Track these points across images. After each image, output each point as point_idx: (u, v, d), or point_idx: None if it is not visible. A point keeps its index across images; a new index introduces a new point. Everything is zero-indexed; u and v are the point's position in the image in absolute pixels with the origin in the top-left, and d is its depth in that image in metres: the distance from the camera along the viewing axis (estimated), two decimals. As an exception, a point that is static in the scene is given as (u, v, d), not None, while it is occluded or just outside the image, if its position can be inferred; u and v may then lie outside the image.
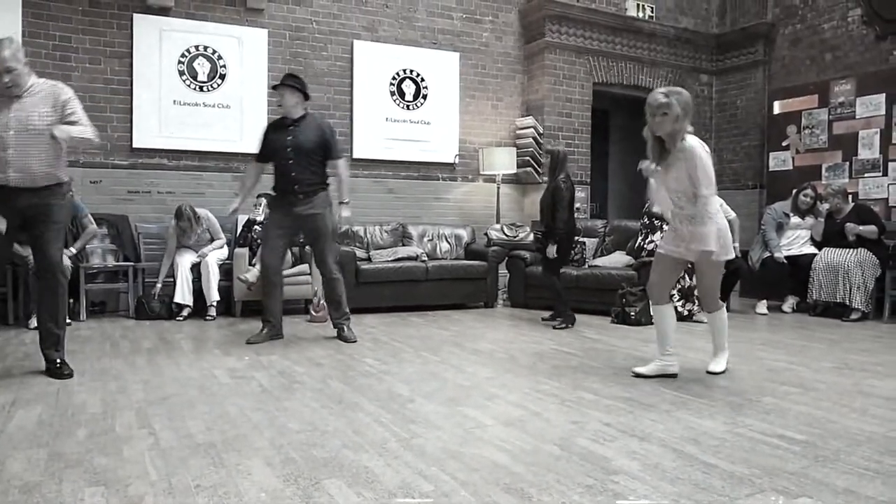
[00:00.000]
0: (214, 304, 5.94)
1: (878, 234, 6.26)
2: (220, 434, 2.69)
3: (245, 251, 6.10)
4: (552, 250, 5.60)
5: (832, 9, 7.87)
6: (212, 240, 6.21)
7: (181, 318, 5.82)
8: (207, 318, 5.86)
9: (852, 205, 6.61)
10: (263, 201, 6.26)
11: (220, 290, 6.04)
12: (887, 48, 7.34)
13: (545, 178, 7.79)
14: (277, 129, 4.89)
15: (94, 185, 6.28)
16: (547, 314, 6.08)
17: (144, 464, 2.35)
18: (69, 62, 6.20)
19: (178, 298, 5.87)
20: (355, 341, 4.88)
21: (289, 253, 6.17)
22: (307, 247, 6.36)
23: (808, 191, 6.82)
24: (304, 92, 4.88)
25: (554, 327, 5.64)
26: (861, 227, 6.25)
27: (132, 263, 6.10)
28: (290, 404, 3.15)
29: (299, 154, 4.76)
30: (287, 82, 4.82)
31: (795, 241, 6.77)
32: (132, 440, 2.61)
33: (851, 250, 6.23)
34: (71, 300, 5.77)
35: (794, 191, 6.93)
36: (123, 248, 6.17)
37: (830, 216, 6.60)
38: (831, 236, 6.48)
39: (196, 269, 5.99)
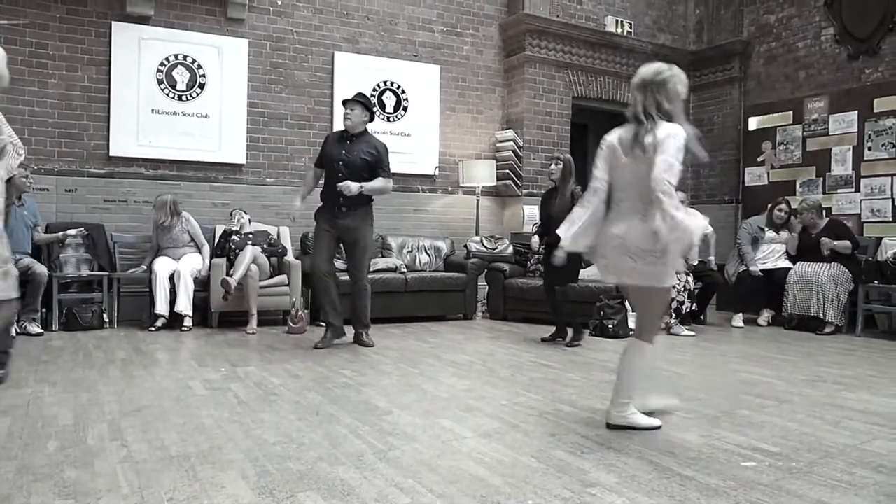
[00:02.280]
0: (189, 315, 5.86)
1: (852, 249, 6.37)
2: (195, 446, 2.65)
3: (223, 261, 6.04)
4: (560, 256, 5.25)
5: (806, 28, 8.03)
6: (191, 240, 6.17)
7: (154, 329, 5.74)
8: (183, 328, 5.79)
9: (826, 220, 6.72)
10: (240, 212, 6.23)
11: (195, 300, 5.97)
12: (859, 67, 7.50)
13: (523, 191, 7.88)
14: (336, 141, 5.10)
15: (69, 193, 6.20)
16: (547, 334, 5.67)
17: (116, 477, 2.31)
18: (46, 69, 6.13)
19: (158, 309, 5.79)
20: (373, 345, 5.15)
21: (267, 263, 6.15)
22: (284, 256, 6.35)
23: (783, 205, 6.94)
24: (372, 111, 5.14)
25: (567, 345, 5.37)
26: (836, 243, 6.35)
27: (107, 273, 6.02)
28: (267, 416, 3.12)
29: (349, 168, 4.95)
30: (359, 98, 5.05)
31: (771, 254, 6.86)
32: (104, 453, 2.56)
33: (825, 265, 6.33)
34: (44, 310, 5.70)
35: (769, 205, 7.04)
36: (98, 258, 6.08)
37: (805, 230, 6.70)
38: (806, 251, 6.58)
39: (173, 278, 5.91)
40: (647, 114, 2.80)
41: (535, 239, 5.80)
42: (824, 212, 6.95)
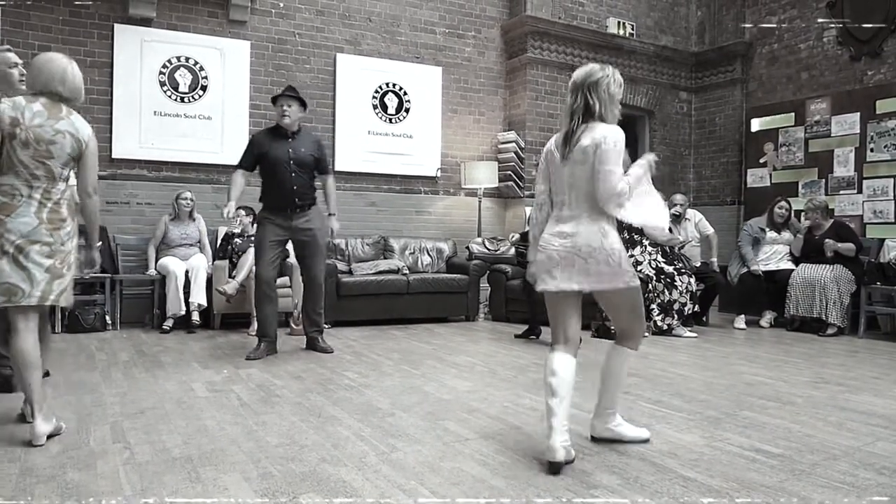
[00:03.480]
0: (199, 309, 5.87)
1: (856, 252, 6.36)
2: (197, 448, 2.65)
3: (225, 263, 6.06)
4: None
5: (808, 29, 8.02)
6: (199, 241, 6.27)
7: (167, 329, 5.74)
8: (193, 324, 5.82)
9: (831, 221, 6.71)
10: (242, 213, 6.23)
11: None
12: (861, 68, 7.49)
13: (525, 192, 7.88)
14: (274, 140, 4.86)
15: (71, 195, 6.20)
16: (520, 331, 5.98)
17: (119, 479, 2.31)
18: (48, 71, 6.13)
19: (171, 307, 5.80)
20: (332, 352, 4.93)
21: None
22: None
23: (783, 203, 6.93)
24: (306, 105, 5.01)
25: (515, 335, 5.69)
26: (840, 245, 6.35)
27: (109, 275, 6.02)
28: (269, 418, 3.12)
29: (300, 167, 4.82)
30: (293, 94, 4.88)
31: (773, 256, 6.85)
32: (107, 455, 2.57)
33: (828, 266, 6.32)
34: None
35: (769, 205, 7.03)
36: (101, 260, 6.08)
37: (810, 231, 6.70)
38: (810, 252, 6.57)
39: (187, 275, 5.94)
40: (580, 115, 2.69)
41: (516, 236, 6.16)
42: (830, 213, 6.94)
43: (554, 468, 2.42)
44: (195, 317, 5.85)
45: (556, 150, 2.76)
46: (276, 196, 4.84)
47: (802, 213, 6.90)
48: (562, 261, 2.64)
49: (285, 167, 4.78)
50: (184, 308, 5.83)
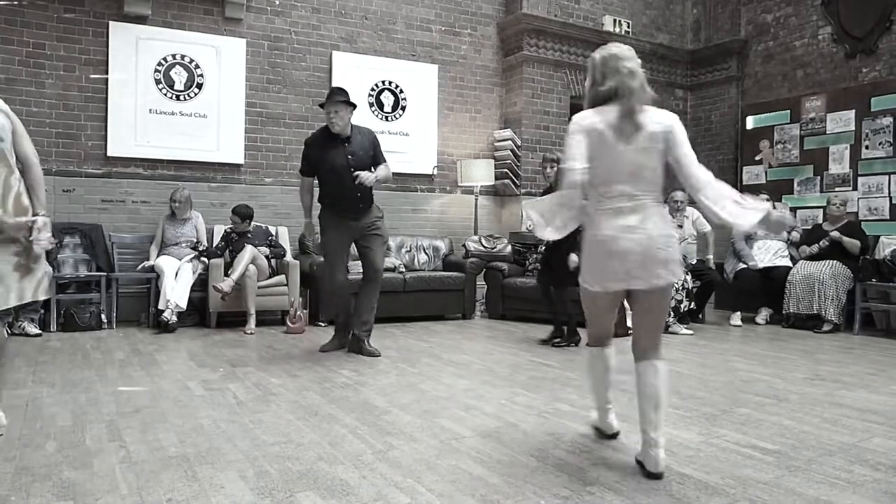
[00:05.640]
0: (181, 310, 5.80)
1: (860, 250, 6.38)
2: (194, 447, 2.65)
3: (221, 262, 6.05)
4: (575, 259, 4.99)
5: (803, 27, 8.04)
6: (197, 240, 6.25)
7: (169, 321, 5.66)
8: (163, 321, 5.67)
9: (846, 220, 6.72)
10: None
11: (194, 301, 5.97)
12: (856, 66, 7.51)
13: (522, 190, 7.88)
14: (330, 145, 4.71)
15: (66, 193, 6.19)
16: (545, 335, 5.58)
17: (115, 478, 2.31)
18: (43, 69, 6.11)
19: (168, 299, 5.72)
20: (379, 354, 4.76)
21: (266, 264, 6.14)
22: (283, 256, 6.34)
23: (764, 195, 6.99)
24: (354, 105, 4.78)
25: (553, 345, 5.33)
26: (846, 238, 6.39)
27: (105, 274, 6.01)
28: (266, 416, 3.12)
29: (360, 170, 4.65)
30: (342, 98, 4.66)
31: (766, 252, 6.87)
32: (103, 453, 2.56)
33: (826, 262, 6.34)
34: (42, 310, 5.69)
35: None
36: (96, 259, 6.08)
37: (819, 227, 6.76)
38: (813, 241, 6.62)
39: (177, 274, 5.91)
40: (635, 96, 2.44)
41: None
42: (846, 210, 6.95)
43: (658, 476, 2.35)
44: (167, 314, 5.69)
45: (608, 132, 2.44)
46: (340, 201, 4.76)
47: (825, 207, 6.94)
48: (643, 257, 2.39)
49: (347, 173, 4.63)
50: (178, 299, 5.75)
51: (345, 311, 5.04)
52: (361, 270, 5.08)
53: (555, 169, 5.31)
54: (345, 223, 4.81)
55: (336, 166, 4.69)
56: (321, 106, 4.82)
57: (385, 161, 4.94)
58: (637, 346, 2.56)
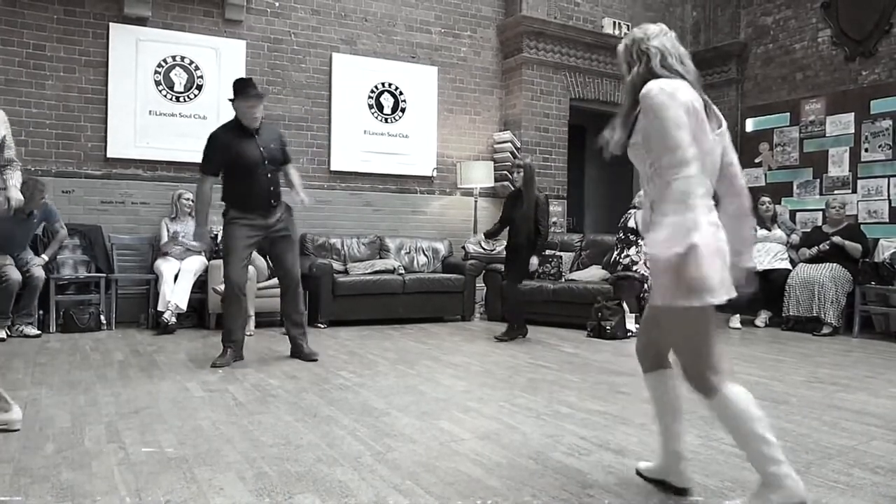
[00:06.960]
0: (181, 311, 5.82)
1: (861, 254, 6.39)
2: (192, 448, 2.65)
3: (220, 262, 6.04)
4: (536, 262, 5.72)
5: (803, 29, 8.05)
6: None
7: (170, 321, 5.69)
8: (162, 322, 5.71)
9: (846, 223, 6.73)
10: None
11: (193, 301, 5.97)
12: (856, 68, 7.52)
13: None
14: (241, 139, 4.51)
15: (66, 194, 6.19)
16: (500, 332, 5.87)
17: (114, 479, 2.30)
18: (43, 71, 6.12)
19: (176, 300, 5.76)
20: (316, 359, 4.61)
21: (265, 265, 6.14)
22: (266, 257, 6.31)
23: (763, 199, 7.04)
24: (264, 96, 4.72)
25: (498, 339, 5.70)
26: (847, 242, 6.40)
27: (104, 275, 6.01)
28: (264, 418, 3.12)
29: (274, 164, 4.59)
30: (258, 92, 4.54)
31: (766, 254, 6.87)
32: (101, 455, 2.56)
33: (826, 265, 6.35)
34: (41, 311, 5.69)
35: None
36: (96, 260, 6.08)
37: (819, 228, 6.76)
38: (813, 243, 6.63)
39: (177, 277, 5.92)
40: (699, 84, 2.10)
41: (481, 236, 6.30)
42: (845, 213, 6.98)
43: None
44: (166, 315, 5.72)
45: (703, 113, 2.04)
46: (250, 196, 4.51)
47: (824, 210, 6.97)
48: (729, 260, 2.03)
49: (261, 168, 4.49)
50: (178, 300, 5.78)
51: (240, 316, 4.58)
52: (278, 281, 4.83)
53: (521, 173, 5.72)
54: (252, 220, 4.51)
55: (248, 160, 4.47)
56: (231, 101, 4.55)
57: (291, 160, 4.82)
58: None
